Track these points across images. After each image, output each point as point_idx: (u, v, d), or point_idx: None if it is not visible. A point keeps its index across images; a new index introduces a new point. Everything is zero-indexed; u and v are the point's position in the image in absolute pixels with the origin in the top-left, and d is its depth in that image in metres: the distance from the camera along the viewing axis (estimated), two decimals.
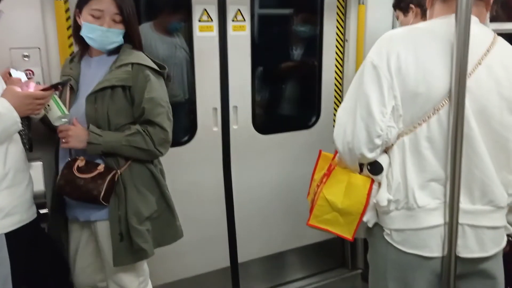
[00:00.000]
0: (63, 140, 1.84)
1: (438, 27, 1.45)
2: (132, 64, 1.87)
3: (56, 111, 1.80)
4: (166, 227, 2.03)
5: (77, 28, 1.91)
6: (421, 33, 1.46)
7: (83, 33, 1.87)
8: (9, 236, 1.68)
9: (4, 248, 1.65)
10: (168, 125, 1.92)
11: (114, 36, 1.88)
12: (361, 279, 3.20)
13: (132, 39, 1.95)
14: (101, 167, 1.85)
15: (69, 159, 1.89)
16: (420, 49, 1.41)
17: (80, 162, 1.86)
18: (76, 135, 1.83)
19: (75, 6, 1.92)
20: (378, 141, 1.40)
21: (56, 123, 1.83)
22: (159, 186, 1.99)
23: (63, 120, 1.83)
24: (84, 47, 1.97)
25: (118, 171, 1.87)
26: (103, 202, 1.83)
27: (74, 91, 1.93)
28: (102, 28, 1.84)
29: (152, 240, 1.95)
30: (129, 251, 1.88)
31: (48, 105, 1.79)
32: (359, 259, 3.22)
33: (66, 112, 1.83)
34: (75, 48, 2.12)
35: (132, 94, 1.87)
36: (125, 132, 1.87)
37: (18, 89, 1.68)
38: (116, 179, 1.86)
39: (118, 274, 1.97)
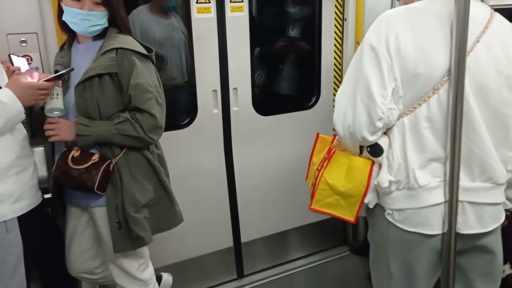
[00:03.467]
0: (52, 133, 1.83)
1: (435, 6, 1.44)
2: (117, 49, 1.82)
3: (57, 103, 1.81)
4: (165, 213, 2.03)
5: (61, 14, 1.85)
6: (418, 13, 1.44)
7: (65, 17, 1.82)
8: (19, 219, 1.76)
9: (16, 230, 1.74)
10: (158, 111, 1.88)
11: (96, 19, 1.81)
12: (351, 253, 3.28)
13: (116, 23, 1.88)
14: (95, 157, 1.84)
15: (65, 149, 1.89)
16: (418, 29, 1.39)
17: (75, 152, 1.85)
18: (65, 128, 1.83)
19: None
20: (379, 124, 1.40)
21: (48, 113, 1.83)
22: (156, 173, 1.97)
23: (55, 113, 1.83)
24: (71, 33, 1.93)
25: (113, 160, 1.87)
26: (98, 192, 1.83)
27: (65, 80, 1.91)
28: (82, 11, 1.77)
29: (151, 226, 1.96)
30: (128, 239, 1.90)
31: (57, 94, 1.81)
32: (360, 237, 3.27)
33: (63, 108, 1.84)
34: None
35: (119, 80, 1.83)
36: (114, 121, 1.84)
37: (23, 79, 1.70)
38: (111, 168, 1.86)
39: (119, 258, 2.00)
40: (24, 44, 2.09)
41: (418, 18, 1.42)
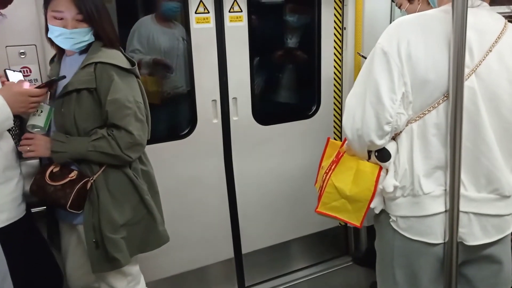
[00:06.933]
0: (27, 148, 1.77)
1: (448, 14, 1.43)
2: (96, 63, 1.76)
3: (38, 120, 1.79)
4: (147, 233, 1.94)
5: (48, 30, 1.84)
6: (431, 20, 1.44)
7: (50, 35, 1.80)
8: (1, 233, 1.66)
9: None
10: (136, 127, 1.80)
11: (80, 36, 1.78)
12: (354, 263, 3.25)
13: (100, 37, 1.84)
14: (73, 174, 1.78)
15: (46, 163, 1.84)
16: (429, 36, 1.40)
17: (55, 168, 1.80)
18: (41, 144, 1.78)
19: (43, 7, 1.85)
20: (387, 128, 1.40)
21: (29, 129, 1.80)
22: (138, 191, 1.89)
23: (35, 130, 1.80)
24: (60, 47, 1.89)
25: (91, 178, 1.80)
26: (72, 210, 1.77)
27: (54, 95, 1.87)
28: (66, 30, 1.75)
29: (131, 247, 1.88)
30: (104, 259, 1.83)
31: (41, 111, 1.78)
32: (363, 247, 3.24)
33: (44, 126, 1.81)
34: None
35: (99, 95, 1.77)
36: (91, 137, 1.78)
37: (14, 86, 1.69)
38: (88, 187, 1.79)
39: (106, 276, 1.93)
40: (23, 56, 2.09)
41: (431, 25, 1.42)
